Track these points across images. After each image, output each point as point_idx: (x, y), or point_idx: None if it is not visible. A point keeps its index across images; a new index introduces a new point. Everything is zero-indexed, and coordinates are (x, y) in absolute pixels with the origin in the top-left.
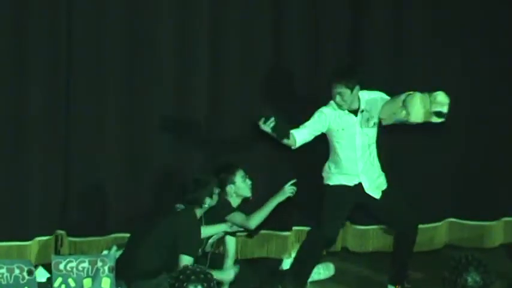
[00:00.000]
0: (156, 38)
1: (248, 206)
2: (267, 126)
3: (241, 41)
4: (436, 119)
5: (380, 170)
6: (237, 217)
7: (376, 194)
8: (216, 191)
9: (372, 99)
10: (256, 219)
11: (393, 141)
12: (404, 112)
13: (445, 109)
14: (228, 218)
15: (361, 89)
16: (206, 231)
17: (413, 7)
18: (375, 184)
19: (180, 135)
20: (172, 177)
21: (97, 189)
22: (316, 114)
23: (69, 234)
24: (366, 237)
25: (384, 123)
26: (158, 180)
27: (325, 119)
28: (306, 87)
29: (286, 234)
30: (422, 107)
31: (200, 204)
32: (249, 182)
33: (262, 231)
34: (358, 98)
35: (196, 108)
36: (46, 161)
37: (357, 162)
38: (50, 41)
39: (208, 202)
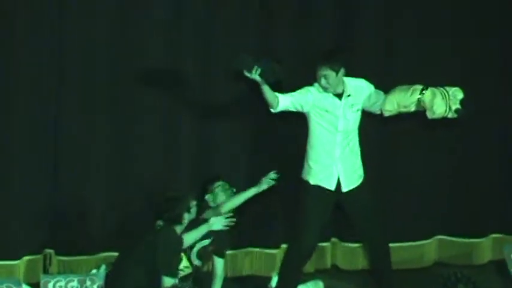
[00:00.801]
0: (145, 58)
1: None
2: (254, 74)
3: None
4: (453, 116)
5: (359, 161)
6: (211, 212)
7: (344, 186)
8: (193, 203)
9: (357, 86)
10: (229, 205)
11: (381, 160)
12: (414, 108)
13: (461, 106)
14: (204, 216)
15: (347, 74)
16: (189, 237)
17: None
18: (348, 175)
19: (169, 152)
20: (161, 196)
21: (86, 208)
22: (303, 90)
23: (57, 253)
24: (355, 255)
25: (387, 114)
26: (147, 199)
27: (310, 96)
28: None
29: (274, 252)
30: (445, 104)
31: (180, 221)
32: (230, 193)
33: (251, 249)
34: (344, 83)
35: (184, 128)
36: (34, 180)
37: (335, 147)
38: (39, 62)
39: (187, 217)
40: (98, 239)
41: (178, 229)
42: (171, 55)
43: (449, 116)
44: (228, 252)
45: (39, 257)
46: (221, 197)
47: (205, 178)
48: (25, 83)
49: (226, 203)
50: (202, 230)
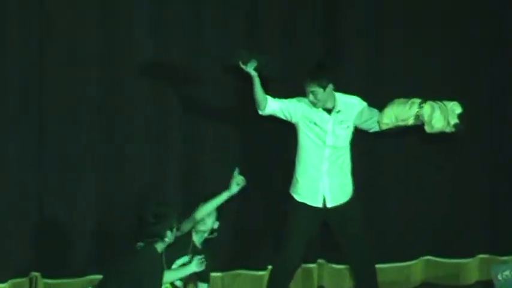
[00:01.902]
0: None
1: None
2: (250, 68)
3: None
4: (451, 130)
5: (348, 178)
6: (187, 224)
7: (329, 201)
8: (177, 224)
9: (349, 102)
10: (203, 211)
11: (368, 179)
12: (412, 121)
13: (459, 120)
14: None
15: (336, 90)
16: (168, 276)
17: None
18: (335, 191)
19: (157, 176)
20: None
21: (72, 230)
22: (294, 99)
23: (44, 276)
24: (342, 276)
25: (384, 127)
26: (135, 222)
27: (300, 107)
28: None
29: (262, 274)
30: (444, 118)
31: (162, 237)
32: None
33: (237, 271)
34: (335, 98)
35: (172, 148)
36: (20, 202)
37: (322, 161)
38: (20, 75)
39: (169, 236)
40: (85, 261)
41: (159, 247)
42: (160, 55)
43: (448, 130)
44: (216, 274)
45: (25, 280)
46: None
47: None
48: (7, 99)
49: (200, 210)
50: (184, 271)
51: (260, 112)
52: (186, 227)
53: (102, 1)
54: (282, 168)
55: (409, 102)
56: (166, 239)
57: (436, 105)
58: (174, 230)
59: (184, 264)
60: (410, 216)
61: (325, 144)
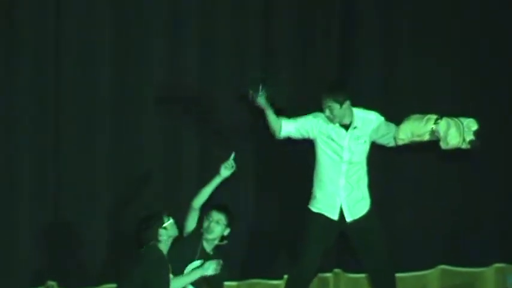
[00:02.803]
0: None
1: None
2: (261, 99)
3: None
4: (467, 147)
5: (365, 192)
6: (190, 220)
7: (348, 216)
8: (169, 220)
9: (366, 118)
10: (199, 199)
11: (384, 188)
12: (428, 137)
13: (475, 137)
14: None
15: (355, 105)
16: (179, 282)
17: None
18: (352, 205)
19: (169, 184)
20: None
21: (89, 239)
22: (310, 115)
23: (60, 285)
24: (358, 285)
25: (400, 143)
26: None
27: (317, 123)
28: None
29: (277, 283)
30: (459, 134)
31: (157, 238)
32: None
33: (254, 280)
34: (352, 114)
35: (187, 156)
36: (36, 211)
37: (339, 176)
38: (36, 91)
39: (165, 233)
40: (101, 270)
41: (162, 247)
42: (175, 60)
43: (463, 147)
44: (231, 283)
45: None
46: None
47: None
48: (24, 110)
49: (196, 199)
50: (195, 275)
51: (276, 137)
52: (190, 223)
53: (114, 5)
54: (299, 179)
55: (425, 118)
56: (164, 237)
57: (452, 121)
58: (168, 225)
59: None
60: (426, 225)
61: (342, 159)
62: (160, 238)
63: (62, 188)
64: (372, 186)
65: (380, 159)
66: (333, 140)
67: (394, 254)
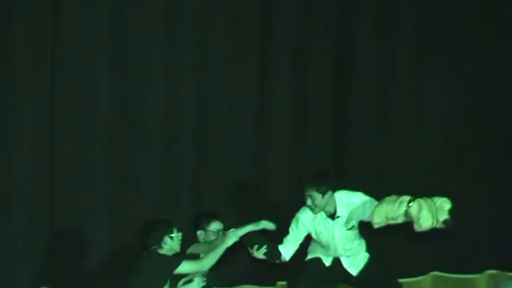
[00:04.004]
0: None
1: None
2: (259, 254)
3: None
4: (442, 226)
5: (364, 255)
6: (187, 266)
7: (353, 271)
8: (178, 233)
9: (350, 203)
10: (211, 259)
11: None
12: (402, 219)
13: (449, 216)
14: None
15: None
16: (207, 261)
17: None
18: (352, 261)
19: (167, 191)
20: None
21: (83, 245)
22: (293, 224)
23: None
24: None
25: (376, 227)
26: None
27: (303, 227)
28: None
29: None
30: (432, 216)
31: (160, 244)
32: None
33: (247, 286)
34: (335, 202)
35: (183, 162)
36: (31, 216)
37: (335, 254)
38: (32, 93)
39: (169, 243)
40: (95, 276)
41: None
42: (173, 65)
43: (438, 226)
44: None
45: None
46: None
47: (201, 213)
48: (20, 114)
49: (207, 258)
50: (220, 250)
51: (285, 261)
52: (187, 267)
53: (113, 11)
54: (292, 170)
55: (399, 201)
56: (167, 246)
57: (424, 203)
58: (175, 238)
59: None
60: (419, 231)
61: (335, 246)
62: (163, 245)
63: (58, 193)
64: (368, 190)
65: (374, 165)
66: (321, 233)
67: (387, 261)
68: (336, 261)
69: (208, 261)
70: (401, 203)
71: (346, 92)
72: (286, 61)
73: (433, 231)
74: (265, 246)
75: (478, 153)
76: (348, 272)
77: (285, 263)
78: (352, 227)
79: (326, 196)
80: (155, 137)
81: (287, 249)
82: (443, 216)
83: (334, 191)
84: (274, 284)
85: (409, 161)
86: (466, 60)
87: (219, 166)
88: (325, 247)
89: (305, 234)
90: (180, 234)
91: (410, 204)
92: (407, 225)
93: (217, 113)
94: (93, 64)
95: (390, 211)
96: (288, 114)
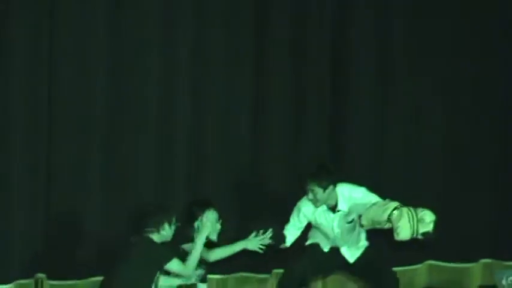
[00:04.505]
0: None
1: None
2: (264, 239)
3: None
4: (421, 238)
5: (362, 244)
6: (176, 264)
7: (350, 258)
8: (175, 223)
9: (353, 198)
10: (218, 254)
11: (374, 184)
12: (388, 225)
13: (431, 228)
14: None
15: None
16: (220, 252)
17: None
18: (350, 248)
19: (162, 182)
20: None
21: (77, 233)
22: (294, 214)
23: (49, 278)
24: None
25: (364, 228)
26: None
27: (304, 217)
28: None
29: (265, 277)
30: (410, 227)
31: (158, 228)
32: (218, 226)
33: (242, 273)
34: (336, 196)
35: (178, 156)
36: (26, 205)
37: (334, 244)
38: (28, 88)
39: (167, 229)
40: (90, 263)
41: (156, 238)
42: (169, 65)
43: (419, 237)
44: (219, 277)
45: (31, 281)
46: (207, 227)
47: (195, 201)
48: (16, 107)
49: (215, 252)
50: (237, 247)
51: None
52: (175, 266)
53: (109, 10)
54: (290, 170)
55: (385, 207)
56: (164, 232)
57: (406, 213)
58: (173, 226)
59: None
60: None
61: (334, 236)
62: (160, 231)
63: (53, 184)
64: (364, 180)
65: (371, 155)
66: (321, 224)
67: (382, 250)
68: (334, 248)
69: (191, 263)
70: (386, 209)
71: (343, 92)
72: (283, 61)
73: (413, 241)
74: (270, 230)
75: (475, 148)
76: (346, 259)
77: (286, 249)
78: (352, 220)
79: (327, 190)
80: (151, 136)
81: (288, 237)
82: (424, 228)
83: (335, 185)
84: (269, 272)
85: (407, 160)
86: (465, 60)
87: (216, 166)
88: (325, 236)
89: (305, 223)
90: (177, 224)
91: (393, 212)
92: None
93: (214, 113)
94: (89, 62)
95: (376, 215)
96: (285, 113)
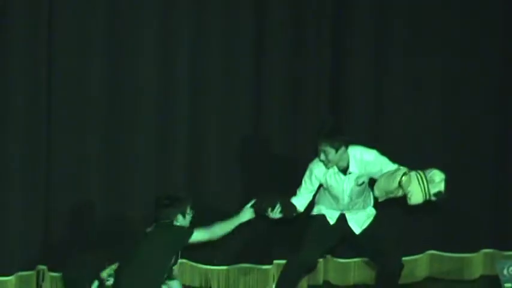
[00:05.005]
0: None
1: None
2: (275, 214)
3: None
4: (435, 199)
5: (370, 212)
6: (201, 234)
7: (356, 229)
8: (190, 212)
9: (364, 161)
10: (223, 229)
11: None
12: (401, 192)
13: (442, 187)
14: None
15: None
16: (218, 229)
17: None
18: (357, 218)
19: (163, 175)
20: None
21: (78, 225)
22: (306, 176)
23: (50, 269)
24: (347, 270)
25: (380, 200)
26: (140, 218)
27: (316, 178)
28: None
29: (267, 268)
30: (422, 189)
31: (171, 219)
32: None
33: (243, 265)
34: (348, 158)
35: (178, 149)
36: (27, 196)
37: (343, 209)
38: (28, 76)
39: (180, 220)
40: (92, 254)
41: None
42: (168, 57)
43: (433, 199)
44: (222, 268)
45: (32, 273)
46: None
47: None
48: (15, 100)
49: (218, 227)
50: (234, 222)
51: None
52: (200, 235)
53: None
54: (293, 169)
55: (394, 174)
56: (177, 223)
57: (415, 176)
58: (187, 216)
59: None
60: (415, 210)
61: (344, 199)
62: (174, 222)
63: (53, 176)
64: None
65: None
66: (332, 186)
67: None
68: (341, 219)
69: (220, 229)
70: (395, 176)
71: (343, 89)
72: (284, 59)
73: (427, 205)
74: (278, 205)
75: (475, 133)
76: (350, 230)
77: (299, 215)
78: (363, 183)
79: (339, 151)
80: (150, 122)
81: (300, 201)
82: (435, 188)
83: (347, 146)
84: (270, 263)
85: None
86: (464, 60)
87: (215, 162)
88: (333, 198)
89: (317, 185)
90: (192, 213)
91: (402, 178)
92: (403, 203)
93: (213, 112)
94: (88, 47)
95: (387, 185)
96: (284, 110)
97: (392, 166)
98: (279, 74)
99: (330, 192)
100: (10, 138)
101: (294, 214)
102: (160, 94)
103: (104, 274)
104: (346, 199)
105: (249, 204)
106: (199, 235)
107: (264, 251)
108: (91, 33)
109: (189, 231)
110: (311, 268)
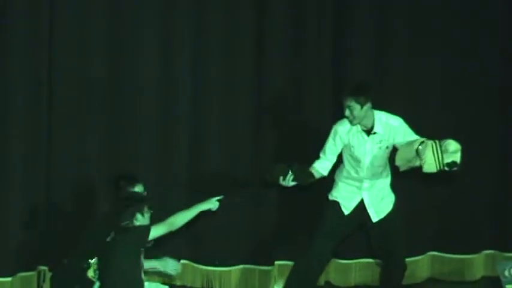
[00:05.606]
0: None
1: None
2: (288, 182)
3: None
4: (449, 169)
5: (387, 192)
6: (159, 229)
7: (374, 216)
8: (148, 212)
9: (389, 124)
10: (182, 218)
11: None
12: (419, 161)
13: (457, 158)
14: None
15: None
16: (179, 218)
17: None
18: (376, 205)
19: (163, 173)
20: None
21: (79, 225)
22: (330, 137)
23: (51, 270)
24: (348, 271)
25: (401, 170)
26: None
27: (340, 139)
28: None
29: (268, 269)
30: (435, 158)
31: (132, 220)
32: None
33: (245, 266)
34: (373, 117)
35: (179, 145)
36: (28, 197)
37: (363, 180)
38: (29, 73)
39: (140, 219)
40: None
41: None
42: (168, 56)
43: (447, 169)
44: (224, 269)
45: (33, 273)
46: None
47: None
48: (15, 100)
49: (178, 216)
50: (195, 210)
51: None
52: (158, 230)
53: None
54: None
55: (413, 142)
56: (138, 222)
57: (430, 145)
58: (146, 214)
59: None
60: (416, 212)
61: (364, 163)
62: (134, 222)
63: (53, 173)
64: None
65: None
66: (353, 146)
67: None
68: (358, 207)
69: (180, 219)
70: (414, 145)
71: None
72: (283, 60)
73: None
74: (290, 173)
75: (475, 133)
76: (367, 218)
77: (317, 181)
78: (386, 148)
79: (365, 108)
80: (150, 122)
81: (324, 164)
82: (449, 158)
83: (372, 104)
84: (271, 264)
85: None
86: (464, 60)
87: (217, 161)
88: (355, 161)
89: (341, 147)
90: (150, 211)
91: (419, 146)
92: (406, 203)
93: (213, 112)
94: (88, 47)
95: (406, 153)
96: (284, 110)
97: (415, 136)
98: (279, 74)
99: (351, 155)
100: (10, 138)
101: (310, 181)
102: (160, 94)
103: (91, 273)
104: (367, 163)
105: (216, 198)
106: (157, 230)
107: (266, 252)
108: (91, 33)
109: (146, 229)
110: (325, 261)
